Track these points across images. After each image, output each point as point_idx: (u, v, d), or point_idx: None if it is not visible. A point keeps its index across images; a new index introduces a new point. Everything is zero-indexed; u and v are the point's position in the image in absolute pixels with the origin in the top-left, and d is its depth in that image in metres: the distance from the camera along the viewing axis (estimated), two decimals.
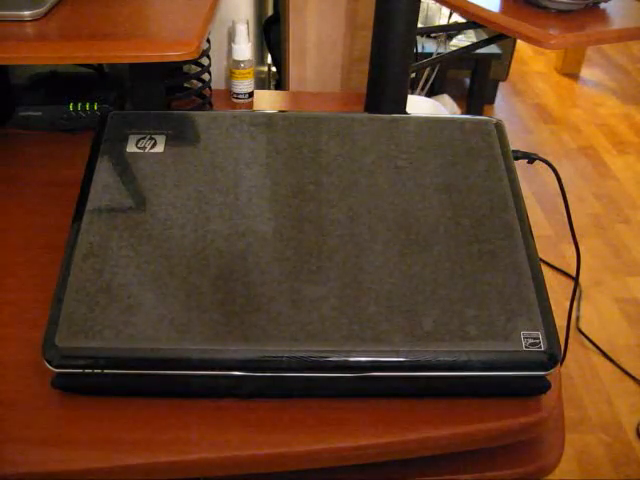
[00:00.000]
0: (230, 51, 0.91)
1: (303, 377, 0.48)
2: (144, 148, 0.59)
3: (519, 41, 2.59)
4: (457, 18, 1.82)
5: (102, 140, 0.60)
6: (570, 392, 1.44)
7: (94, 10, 0.64)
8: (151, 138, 0.60)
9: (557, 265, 1.79)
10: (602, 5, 0.71)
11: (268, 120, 0.62)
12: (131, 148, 0.59)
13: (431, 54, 1.93)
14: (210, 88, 0.89)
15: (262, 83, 1.27)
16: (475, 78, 2.23)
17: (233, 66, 0.89)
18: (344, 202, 0.56)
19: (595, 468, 1.29)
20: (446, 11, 2.02)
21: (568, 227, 1.96)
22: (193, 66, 0.87)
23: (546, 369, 0.48)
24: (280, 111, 0.64)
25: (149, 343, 0.47)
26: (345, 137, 0.60)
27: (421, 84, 1.42)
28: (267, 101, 0.93)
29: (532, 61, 2.98)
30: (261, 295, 0.49)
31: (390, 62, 0.76)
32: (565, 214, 0.68)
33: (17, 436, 0.47)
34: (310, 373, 0.48)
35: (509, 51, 2.43)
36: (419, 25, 0.77)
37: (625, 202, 2.07)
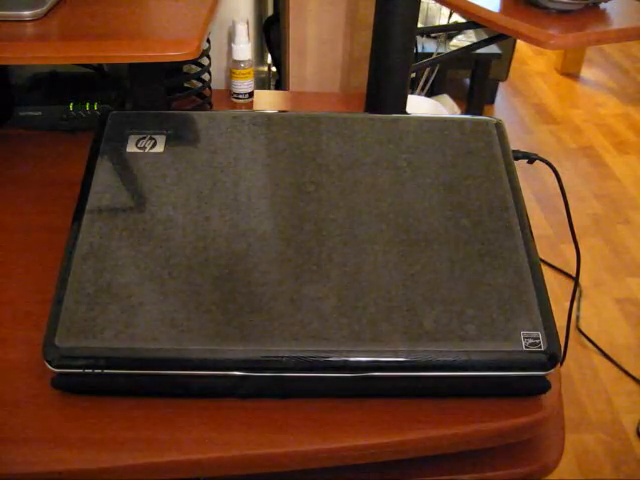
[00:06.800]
0: (230, 51, 0.91)
1: (303, 377, 0.48)
2: (144, 148, 0.59)
3: (519, 41, 2.58)
4: (457, 18, 1.82)
5: (102, 140, 0.60)
6: (570, 392, 1.44)
7: (94, 10, 0.64)
8: (151, 138, 0.60)
9: (557, 265, 1.79)
10: (602, 5, 0.71)
11: (268, 120, 0.62)
12: (131, 148, 0.59)
13: (431, 54, 1.93)
14: (210, 88, 0.89)
15: (262, 83, 1.27)
16: (475, 78, 2.23)
17: (233, 66, 0.89)
18: (344, 202, 0.56)
19: (595, 468, 1.29)
20: (446, 11, 2.02)
21: (568, 227, 1.96)
22: (193, 66, 0.87)
23: (546, 369, 0.48)
24: (280, 111, 0.64)
25: (149, 343, 0.47)
26: (345, 137, 0.60)
27: (421, 84, 1.42)
28: (267, 101, 0.93)
29: (532, 61, 2.98)
30: (261, 295, 0.49)
31: (390, 62, 0.76)
32: (565, 214, 0.68)
33: (17, 436, 0.47)
34: (310, 373, 0.48)
35: (509, 51, 2.43)
36: (419, 25, 0.77)
37: (625, 202, 2.07)
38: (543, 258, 1.81)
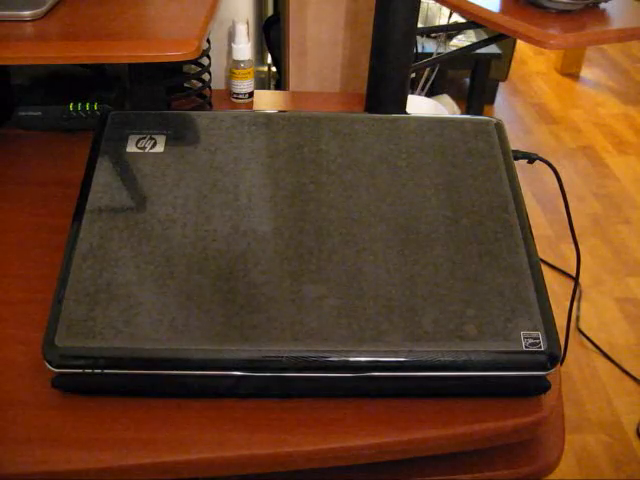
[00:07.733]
0: (230, 51, 0.91)
1: (303, 377, 0.48)
2: (144, 148, 0.59)
3: (519, 41, 2.58)
4: (457, 18, 1.82)
5: (102, 140, 0.60)
6: (570, 392, 1.44)
7: (94, 10, 0.64)
8: (151, 138, 0.60)
9: (557, 265, 1.79)
10: (602, 5, 0.71)
11: (268, 120, 0.62)
12: (131, 148, 0.59)
13: (431, 54, 1.93)
14: (210, 88, 0.89)
15: (262, 83, 1.27)
16: (475, 78, 2.23)
17: (233, 66, 0.89)
18: (344, 202, 0.56)
19: (595, 468, 1.29)
20: (446, 11, 2.02)
21: (568, 227, 1.96)
22: (193, 66, 0.87)
23: (546, 369, 0.48)
24: (280, 111, 0.64)
25: (149, 343, 0.47)
26: (345, 137, 0.60)
27: (421, 84, 1.42)
28: (267, 101, 0.93)
29: (532, 61, 2.98)
30: (261, 295, 0.49)
31: (390, 62, 0.76)
32: (565, 214, 0.68)
33: (17, 436, 0.47)
34: (310, 373, 0.48)
35: (509, 51, 2.43)
36: (419, 25, 0.77)
37: (625, 202, 2.07)
38: (543, 258, 1.81)
